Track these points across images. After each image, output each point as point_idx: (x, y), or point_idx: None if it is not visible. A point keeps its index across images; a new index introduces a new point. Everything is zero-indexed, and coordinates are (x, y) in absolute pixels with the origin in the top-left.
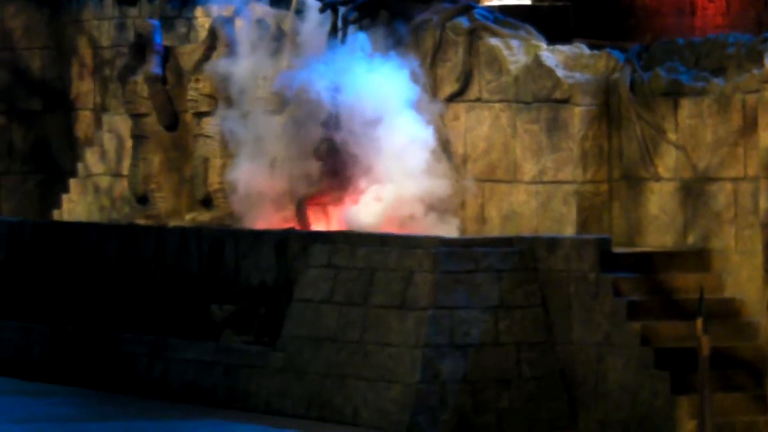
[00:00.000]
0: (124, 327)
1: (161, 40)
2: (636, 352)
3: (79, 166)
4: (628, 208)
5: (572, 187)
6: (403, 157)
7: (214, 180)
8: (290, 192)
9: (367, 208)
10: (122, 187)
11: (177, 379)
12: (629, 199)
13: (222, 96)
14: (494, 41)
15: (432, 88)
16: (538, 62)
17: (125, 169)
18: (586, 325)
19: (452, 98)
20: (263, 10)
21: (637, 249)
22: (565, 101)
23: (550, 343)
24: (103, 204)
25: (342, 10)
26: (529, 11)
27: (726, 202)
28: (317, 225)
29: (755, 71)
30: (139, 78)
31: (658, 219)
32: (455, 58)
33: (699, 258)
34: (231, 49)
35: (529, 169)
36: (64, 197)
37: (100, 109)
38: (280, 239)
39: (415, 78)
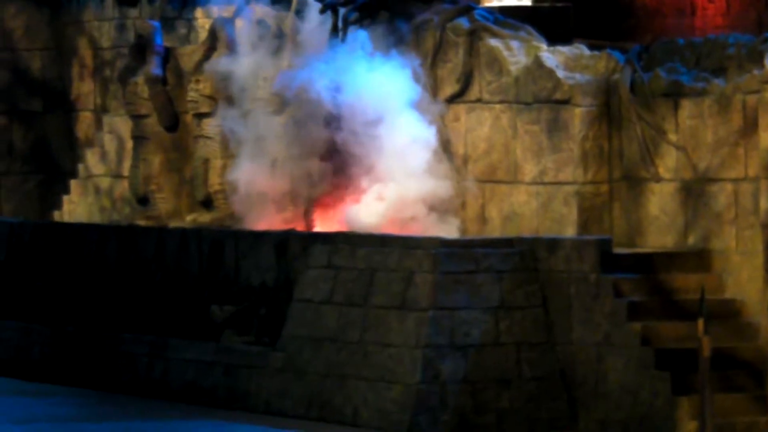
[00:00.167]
0: (125, 327)
1: (162, 41)
2: (636, 352)
3: (80, 166)
4: (628, 209)
5: (573, 187)
6: (403, 157)
7: (214, 181)
8: (291, 192)
9: (367, 209)
10: (123, 188)
11: (177, 380)
12: (630, 200)
13: (222, 96)
14: (494, 42)
15: (432, 89)
16: (538, 63)
17: (126, 170)
18: (587, 325)
19: (453, 99)
20: (263, 10)
21: (638, 249)
22: (566, 102)
23: (551, 344)
24: (103, 205)
25: (342, 11)
26: (529, 12)
27: (726, 202)
28: (322, 226)
29: (756, 72)
30: (140, 79)
31: (659, 219)
32: (455, 58)
33: (699, 258)
34: (231, 50)
35: (529, 170)
36: (65, 198)
37: (101, 110)
38: (281, 240)
39: (416, 77)
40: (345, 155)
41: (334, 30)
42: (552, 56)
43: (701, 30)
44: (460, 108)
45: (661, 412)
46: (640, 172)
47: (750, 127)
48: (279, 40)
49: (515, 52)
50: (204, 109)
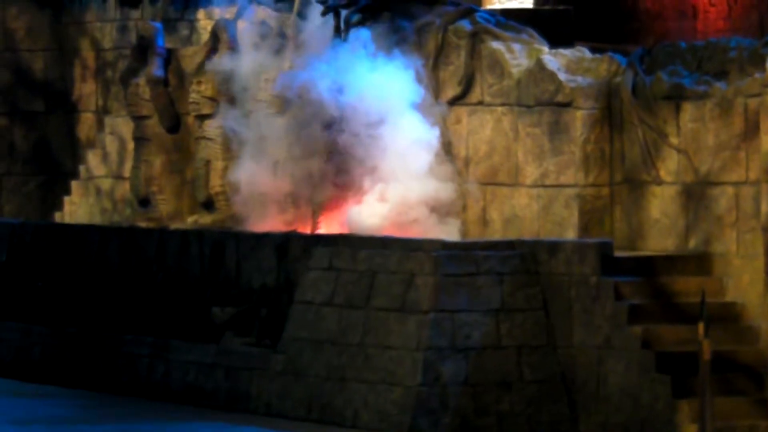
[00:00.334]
0: (126, 328)
1: (163, 42)
2: (637, 355)
3: (81, 168)
4: (629, 212)
5: (574, 190)
6: (405, 158)
7: (215, 182)
8: (292, 194)
9: (368, 210)
10: (124, 189)
11: (178, 381)
12: (631, 203)
13: (224, 97)
14: (496, 45)
15: (434, 91)
16: (540, 66)
17: (127, 171)
18: (587, 328)
19: (454, 101)
20: (265, 12)
21: (639, 253)
22: (567, 105)
23: (551, 347)
24: (104, 206)
25: (344, 13)
26: (531, 15)
27: (727, 206)
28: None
29: (757, 75)
30: (141, 80)
31: (660, 223)
32: (457, 61)
33: (700, 262)
34: (233, 51)
35: (530, 173)
36: (66, 199)
37: (102, 111)
38: (282, 242)
39: (419, 78)
40: (347, 156)
41: (337, 32)
42: (554, 59)
43: (703, 33)
44: (462, 110)
45: (662, 416)
46: (642, 175)
47: (751, 130)
48: (281, 41)
49: (517, 54)
50: (205, 111)
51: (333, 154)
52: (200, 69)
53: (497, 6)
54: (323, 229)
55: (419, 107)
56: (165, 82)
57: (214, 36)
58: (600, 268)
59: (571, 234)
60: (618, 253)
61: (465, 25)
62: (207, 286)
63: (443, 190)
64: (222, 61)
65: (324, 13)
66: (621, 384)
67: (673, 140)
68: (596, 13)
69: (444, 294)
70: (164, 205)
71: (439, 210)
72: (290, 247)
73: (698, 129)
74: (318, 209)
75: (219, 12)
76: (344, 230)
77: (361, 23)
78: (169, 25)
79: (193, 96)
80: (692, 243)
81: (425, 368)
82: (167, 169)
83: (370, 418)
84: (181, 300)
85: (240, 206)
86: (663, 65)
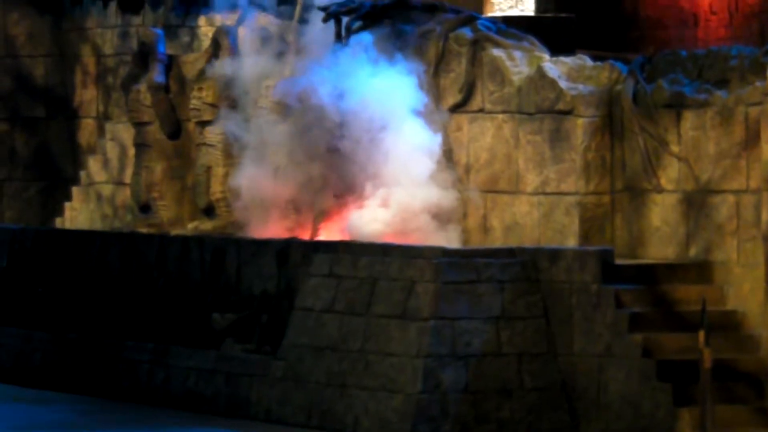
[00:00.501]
0: (126, 334)
1: (164, 48)
2: (637, 363)
3: (82, 173)
4: (630, 220)
5: (575, 198)
6: (406, 165)
7: (216, 189)
8: (293, 200)
9: (369, 216)
10: (124, 195)
11: (178, 387)
12: (631, 211)
13: (225, 104)
14: (497, 52)
15: (435, 99)
16: (541, 73)
17: (127, 177)
18: (588, 336)
19: (455, 109)
20: (266, 18)
21: (639, 261)
22: (568, 112)
23: (552, 354)
24: (105, 212)
25: (345, 20)
26: (532, 22)
27: (728, 214)
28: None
29: (758, 83)
30: (142, 86)
31: (660, 231)
32: (458, 68)
33: (701, 270)
34: (234, 58)
35: (531, 180)
36: (67, 205)
37: (103, 117)
38: (282, 248)
39: (420, 84)
40: (347, 162)
41: (338, 39)
42: (555, 67)
43: (704, 41)
44: (463, 118)
45: (662, 424)
46: (642, 183)
47: (752, 138)
48: (282, 47)
49: (518, 62)
50: (206, 117)
51: (334, 160)
52: (201, 75)
53: (498, 13)
54: (324, 236)
55: (421, 114)
56: (166, 89)
57: (215, 42)
58: (601, 275)
59: (571, 242)
60: (619, 261)
61: (466, 32)
62: (207, 292)
63: (444, 198)
64: (223, 68)
65: (325, 20)
66: (621, 392)
67: (674, 148)
68: (597, 21)
69: (444, 301)
70: (165, 211)
71: (439, 217)
72: (291, 254)
73: (699, 137)
74: (319, 216)
75: (220, 18)
76: (345, 237)
77: (362, 30)
78: (170, 32)
79: (194, 102)
80: (693, 251)
81: (425, 375)
82: (168, 175)
83: (370, 425)
84: (181, 306)
85: (241, 212)
86: (664, 73)
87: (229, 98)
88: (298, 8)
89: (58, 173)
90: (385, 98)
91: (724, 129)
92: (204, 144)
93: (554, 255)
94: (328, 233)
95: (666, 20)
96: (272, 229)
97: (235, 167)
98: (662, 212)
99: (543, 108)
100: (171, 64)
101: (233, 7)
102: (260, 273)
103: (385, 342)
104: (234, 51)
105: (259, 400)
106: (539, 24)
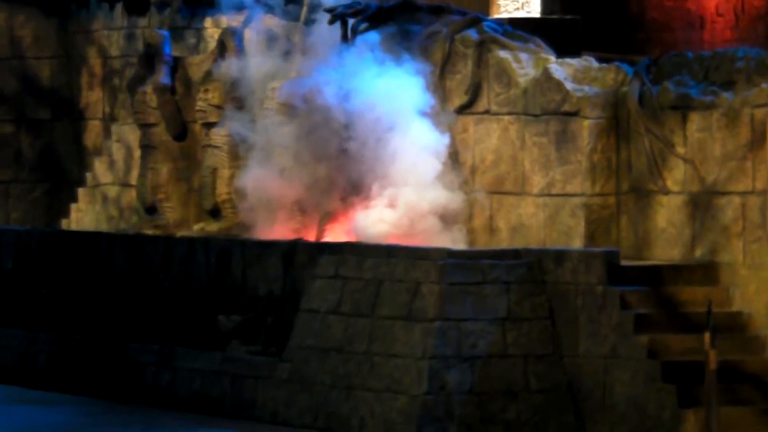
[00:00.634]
0: (131, 336)
1: (170, 50)
2: (643, 365)
3: (88, 175)
4: (635, 221)
5: (580, 199)
6: (412, 166)
7: (222, 190)
8: (299, 201)
9: (374, 218)
10: (130, 196)
11: (183, 389)
12: (637, 212)
13: (231, 104)
14: (503, 54)
15: (441, 100)
16: (547, 75)
17: (133, 178)
18: (593, 337)
19: (461, 110)
20: (272, 20)
21: (645, 262)
22: (574, 114)
23: (558, 356)
24: (111, 214)
25: (351, 21)
26: (538, 24)
27: (734, 215)
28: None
29: (764, 85)
30: (148, 88)
31: (666, 232)
32: (464, 70)
33: (707, 271)
34: (240, 59)
35: (537, 182)
36: (72, 206)
37: (109, 119)
38: (288, 250)
39: (427, 84)
40: (353, 163)
41: (344, 40)
42: (561, 68)
43: (710, 43)
44: (469, 119)
45: (668, 425)
46: (648, 185)
47: (758, 140)
48: (288, 48)
49: (524, 63)
50: (212, 119)
51: (340, 161)
52: (207, 77)
53: (504, 15)
54: (330, 237)
55: (427, 115)
56: (172, 90)
57: (221, 44)
58: (606, 277)
59: (577, 243)
60: (624, 263)
61: (472, 34)
62: (213, 293)
63: (450, 199)
64: (229, 69)
65: (331, 22)
66: (627, 393)
67: (680, 150)
68: (603, 23)
69: (450, 303)
70: (171, 212)
71: (445, 218)
72: (296, 255)
73: (705, 139)
74: (325, 217)
75: (226, 20)
76: (350, 238)
77: (368, 31)
78: (176, 33)
79: (199, 104)
80: (699, 252)
81: (431, 377)
82: (174, 177)
83: (375, 427)
84: (187, 308)
85: (247, 214)
86: (670, 75)
87: (235, 100)
88: (305, 9)
89: (63, 175)
90: (392, 99)
91: (730, 131)
92: (210, 145)
93: (560, 256)
94: (334, 234)
95: (672, 22)
96: (278, 230)
97: (240, 169)
98: (668, 214)
99: (549, 109)
100: (177, 65)
101: (239, 8)
102: (266, 274)
103: (391, 343)
104: (240, 52)
105: (265, 401)
106: (545, 26)
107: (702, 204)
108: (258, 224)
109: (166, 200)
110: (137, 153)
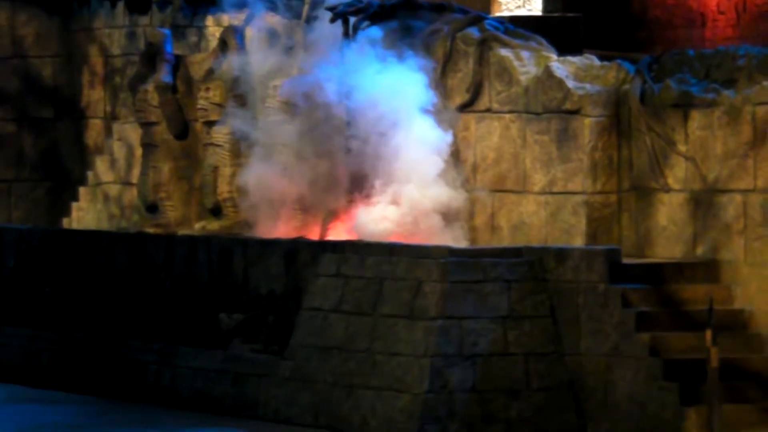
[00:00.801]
0: (133, 335)
1: (172, 49)
2: (645, 363)
3: (89, 174)
4: (637, 219)
5: (582, 197)
6: (414, 163)
7: (223, 189)
8: (301, 199)
9: (376, 216)
10: (132, 195)
11: (185, 387)
12: (639, 210)
13: (233, 101)
14: (505, 52)
15: (443, 98)
16: (548, 73)
17: (135, 177)
18: (595, 336)
19: (463, 108)
20: (274, 18)
21: (647, 260)
22: (575, 112)
23: (559, 354)
24: (112, 212)
25: (353, 19)
26: (539, 22)
27: (735, 213)
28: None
29: (765, 83)
30: (150, 87)
31: (668, 230)
32: (466, 68)
33: (708, 269)
34: (241, 57)
35: (538, 180)
36: (74, 205)
37: (111, 118)
38: (289, 248)
39: (429, 80)
40: (355, 161)
41: (346, 38)
42: (562, 66)
43: (711, 41)
44: (470, 117)
45: (670, 423)
46: (650, 183)
47: (759, 138)
48: (289, 46)
49: (525, 62)
50: (214, 117)
51: (342, 159)
52: (208, 75)
53: (506, 13)
54: (332, 235)
55: (430, 112)
56: (173, 89)
57: (223, 42)
58: (608, 275)
59: (578, 241)
60: (626, 261)
61: (473, 32)
62: (214, 292)
63: (452, 197)
64: (230, 67)
65: (333, 20)
66: (629, 392)
67: (681, 148)
68: (605, 21)
69: (451, 301)
70: (172, 211)
71: (447, 216)
72: (298, 254)
73: (706, 137)
74: (328, 215)
75: (228, 18)
76: (352, 236)
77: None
78: (178, 32)
79: (201, 102)
80: (700, 250)
81: (432, 375)
82: (175, 176)
83: (377, 425)
84: (188, 306)
85: (248, 212)
86: (671, 73)
87: (237, 98)
88: (306, 7)
89: (65, 173)
90: (394, 95)
91: (731, 128)
92: (211, 144)
93: (561, 254)
94: (336, 232)
95: (674, 20)
96: (280, 228)
97: (242, 167)
98: (669, 211)
99: (550, 108)
100: (178, 64)
101: (241, 6)
102: (268, 273)
103: (393, 342)
104: (241, 50)
105: (267, 400)
106: (547, 24)
107: (703, 202)
108: (260, 222)
109: (168, 199)
110: (138, 151)
